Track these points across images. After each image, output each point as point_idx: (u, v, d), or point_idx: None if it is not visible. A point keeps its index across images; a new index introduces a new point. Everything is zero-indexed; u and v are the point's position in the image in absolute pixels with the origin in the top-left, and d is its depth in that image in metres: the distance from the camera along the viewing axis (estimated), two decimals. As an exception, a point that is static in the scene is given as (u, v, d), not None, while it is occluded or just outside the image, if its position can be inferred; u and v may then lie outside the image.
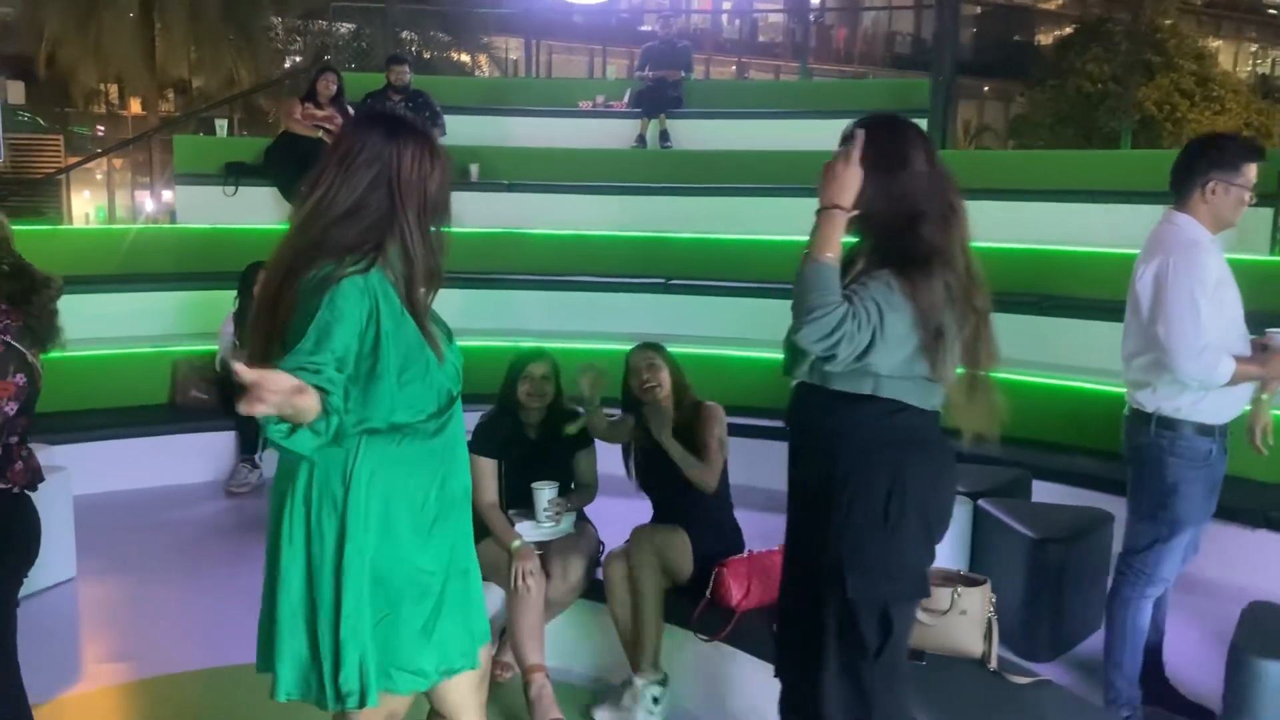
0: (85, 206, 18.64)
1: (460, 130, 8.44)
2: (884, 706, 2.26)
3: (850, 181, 2.15)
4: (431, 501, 2.08)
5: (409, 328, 1.99)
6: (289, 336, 1.90)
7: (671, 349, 3.58)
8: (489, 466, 3.52)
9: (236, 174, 7.71)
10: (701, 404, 3.45)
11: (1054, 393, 5.40)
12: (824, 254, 2.13)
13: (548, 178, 8.11)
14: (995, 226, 5.71)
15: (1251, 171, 3.01)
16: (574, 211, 7.72)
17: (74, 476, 4.40)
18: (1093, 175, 7.06)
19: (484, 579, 2.48)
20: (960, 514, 3.94)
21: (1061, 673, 3.58)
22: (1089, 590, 3.87)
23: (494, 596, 3.33)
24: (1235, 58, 33.71)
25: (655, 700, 3.21)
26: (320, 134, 7.59)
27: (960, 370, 2.24)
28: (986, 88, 31.34)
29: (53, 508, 3.89)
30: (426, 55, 21.11)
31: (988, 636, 2.93)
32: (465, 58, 24.08)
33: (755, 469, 4.44)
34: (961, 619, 2.91)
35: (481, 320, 6.48)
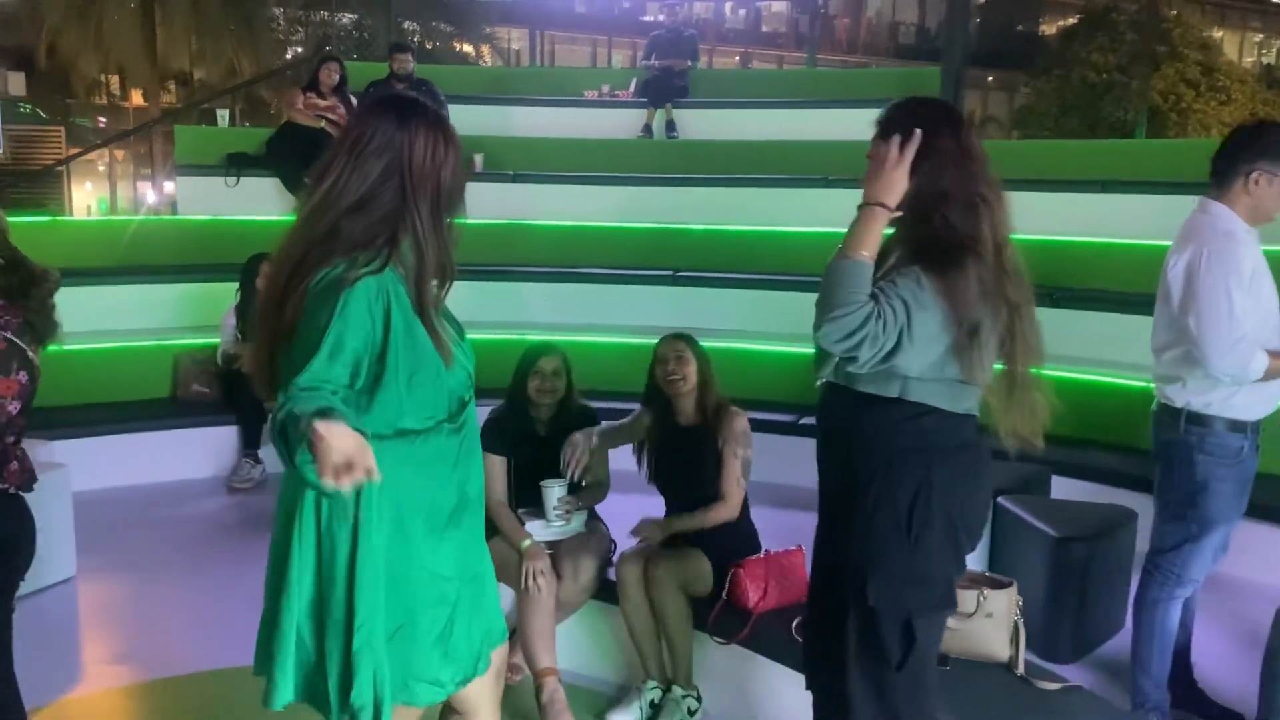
0: (87, 198, 18.60)
1: (464, 120, 8.28)
2: (909, 720, 2.18)
3: (898, 181, 2.04)
4: (447, 505, 2.00)
5: (420, 329, 1.91)
6: (296, 339, 1.82)
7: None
8: (498, 464, 3.44)
9: (238, 165, 7.63)
10: (726, 406, 3.30)
11: (1068, 386, 5.26)
12: (859, 251, 2.01)
13: (553, 168, 8.01)
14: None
15: None
16: (579, 202, 7.62)
17: (73, 472, 4.33)
18: (1106, 165, 6.93)
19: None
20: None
21: (1084, 674, 3.50)
22: (1112, 590, 3.78)
23: (504, 597, 3.24)
24: (1240, 48, 33.64)
25: (691, 713, 3.16)
26: (323, 124, 7.54)
27: (998, 367, 2.13)
28: (991, 78, 31.26)
29: (52, 505, 3.84)
30: (429, 46, 21.05)
31: (1014, 640, 2.85)
32: (468, 48, 24.01)
33: (765, 465, 4.32)
34: (987, 622, 2.84)
35: (486, 313, 6.39)
